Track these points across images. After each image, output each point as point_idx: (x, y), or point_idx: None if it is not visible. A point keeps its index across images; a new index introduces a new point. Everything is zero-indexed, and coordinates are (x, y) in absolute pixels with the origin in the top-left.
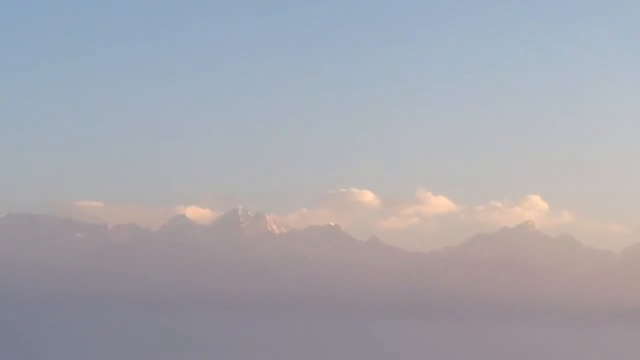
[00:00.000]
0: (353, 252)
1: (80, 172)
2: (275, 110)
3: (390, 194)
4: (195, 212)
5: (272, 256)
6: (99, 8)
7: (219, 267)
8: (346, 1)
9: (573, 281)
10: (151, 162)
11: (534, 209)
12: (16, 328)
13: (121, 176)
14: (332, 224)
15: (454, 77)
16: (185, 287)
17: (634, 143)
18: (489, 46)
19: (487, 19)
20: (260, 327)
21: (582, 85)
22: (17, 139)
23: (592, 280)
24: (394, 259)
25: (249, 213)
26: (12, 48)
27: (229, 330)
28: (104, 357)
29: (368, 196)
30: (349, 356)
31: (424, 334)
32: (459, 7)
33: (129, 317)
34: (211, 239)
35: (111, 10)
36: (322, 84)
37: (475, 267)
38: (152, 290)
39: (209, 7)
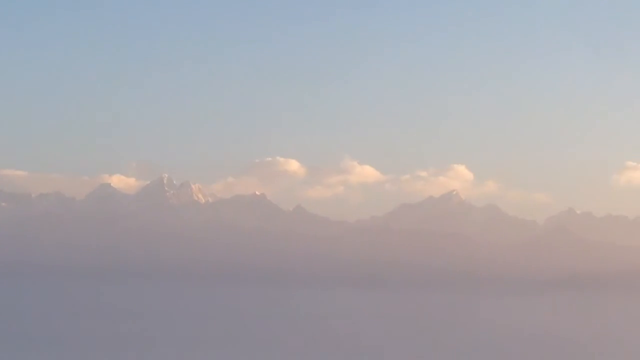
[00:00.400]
0: (279, 221)
1: (3, 141)
2: (201, 78)
3: (316, 163)
4: (121, 181)
5: (198, 225)
6: None
7: (144, 236)
8: None
9: (497, 250)
10: (75, 130)
11: (459, 179)
12: None
13: (45, 145)
14: (257, 193)
15: (378, 44)
16: (110, 256)
17: (557, 112)
18: (416, 12)
19: None
20: (184, 295)
21: (508, 52)
22: None
23: (516, 250)
24: (319, 228)
25: (174, 182)
26: None
27: (153, 298)
28: (27, 327)
29: (293, 165)
30: (272, 324)
31: (349, 302)
32: None
33: (53, 285)
34: (136, 207)
35: None
36: (249, 52)
37: (401, 237)
38: (77, 259)
39: None
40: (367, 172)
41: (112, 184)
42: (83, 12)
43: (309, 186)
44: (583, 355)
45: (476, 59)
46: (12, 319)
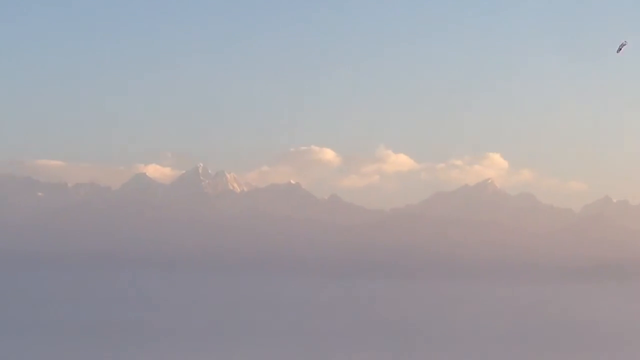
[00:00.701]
0: (314, 210)
1: (40, 131)
2: (237, 67)
3: (351, 152)
4: (156, 171)
5: (233, 214)
6: None
7: (180, 226)
8: None
9: (533, 239)
10: (112, 121)
11: (494, 167)
12: None
13: (81, 135)
14: (292, 182)
15: (416, 34)
16: (145, 246)
17: (592, 101)
18: (452, 5)
19: None
20: (220, 285)
21: (543, 41)
22: None
23: (551, 238)
24: (354, 217)
25: (209, 171)
26: None
27: (189, 288)
28: (62, 315)
29: (328, 154)
30: (307, 313)
31: (384, 291)
32: None
33: (89, 275)
34: (171, 197)
35: None
36: (284, 39)
37: (436, 225)
38: (112, 248)
39: None
40: (401, 161)
41: (147, 174)
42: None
43: (344, 175)
44: (619, 341)
45: (512, 47)
46: (49, 309)
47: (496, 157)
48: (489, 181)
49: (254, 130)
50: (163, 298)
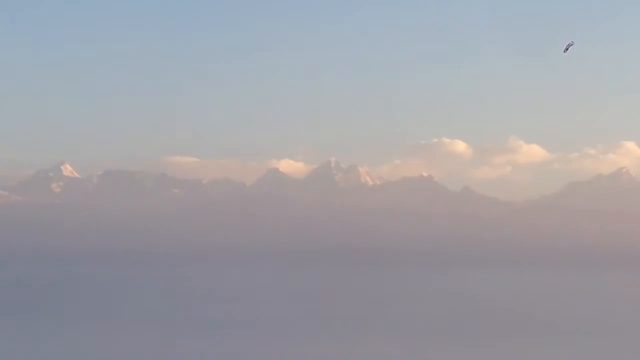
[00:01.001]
0: (447, 203)
1: (174, 128)
2: (368, 63)
3: (482, 143)
4: (289, 166)
5: (366, 208)
6: None
7: (314, 220)
8: None
9: None
10: (244, 117)
11: (629, 156)
12: (114, 283)
13: (215, 131)
14: (424, 174)
15: (544, 22)
16: (279, 241)
17: None
18: None
19: None
20: (356, 279)
21: None
22: (113, 98)
23: None
24: (488, 209)
25: (342, 165)
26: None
27: (327, 281)
28: (203, 311)
29: (460, 146)
30: (444, 305)
31: (519, 283)
32: None
33: (224, 270)
34: (305, 191)
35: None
36: (411, 36)
37: (571, 216)
38: (247, 243)
39: None
40: (534, 151)
41: (280, 169)
42: None
43: (476, 167)
44: None
45: None
46: (193, 304)
47: (631, 146)
48: (624, 170)
49: (385, 124)
50: (308, 290)
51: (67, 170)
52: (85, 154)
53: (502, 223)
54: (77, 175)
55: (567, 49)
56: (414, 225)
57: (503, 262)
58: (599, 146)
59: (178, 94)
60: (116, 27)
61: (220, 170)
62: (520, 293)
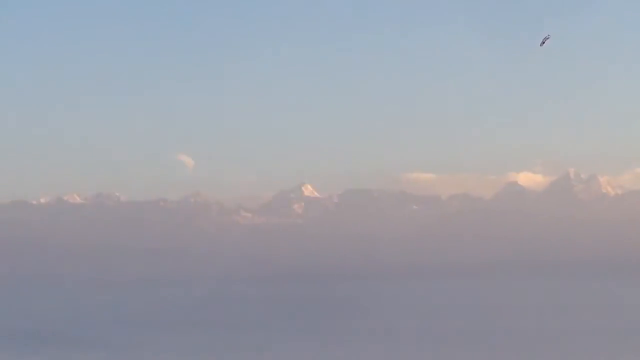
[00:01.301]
0: None
1: (410, 145)
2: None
3: None
4: (528, 178)
5: (608, 219)
6: None
7: (554, 233)
8: None
9: None
10: (481, 131)
11: None
12: (362, 301)
13: (451, 147)
14: None
15: None
16: (521, 253)
17: None
18: None
19: None
20: (602, 290)
21: None
22: (345, 117)
23: None
24: None
25: (581, 176)
26: None
27: (573, 294)
28: (454, 326)
29: None
30: None
31: None
32: None
33: (466, 286)
34: (544, 204)
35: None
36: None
37: None
38: (487, 257)
39: None
40: None
41: (519, 182)
42: None
43: None
44: None
45: None
46: (438, 320)
47: None
48: None
49: (622, 132)
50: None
51: (308, 190)
52: (325, 174)
53: None
54: (317, 195)
55: (544, 43)
56: None
57: None
58: None
59: (415, 108)
60: None
61: (457, 185)
62: None
